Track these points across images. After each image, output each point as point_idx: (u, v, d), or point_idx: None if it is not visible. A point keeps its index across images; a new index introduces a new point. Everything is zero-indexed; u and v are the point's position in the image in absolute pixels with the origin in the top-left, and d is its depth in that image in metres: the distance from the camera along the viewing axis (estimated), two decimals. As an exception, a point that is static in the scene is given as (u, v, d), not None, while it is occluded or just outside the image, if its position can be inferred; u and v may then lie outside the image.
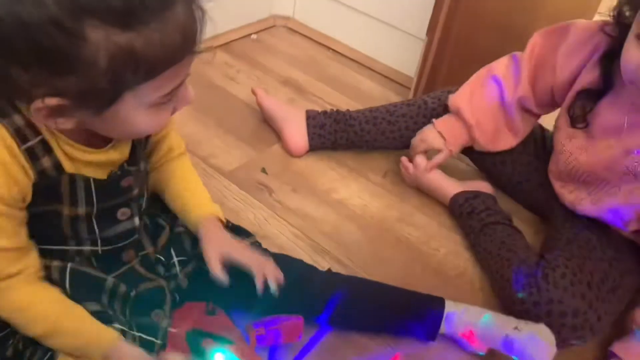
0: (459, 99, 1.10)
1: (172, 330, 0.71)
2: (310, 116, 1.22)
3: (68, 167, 0.61)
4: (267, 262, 0.76)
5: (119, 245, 0.71)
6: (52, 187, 0.61)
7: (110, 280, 0.69)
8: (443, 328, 0.89)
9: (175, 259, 0.77)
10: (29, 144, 0.57)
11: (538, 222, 1.18)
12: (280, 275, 0.75)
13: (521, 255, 0.96)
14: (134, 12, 0.47)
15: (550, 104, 1.05)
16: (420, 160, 1.14)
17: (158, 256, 0.77)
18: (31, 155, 0.58)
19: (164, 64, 0.51)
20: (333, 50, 1.64)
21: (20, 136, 0.56)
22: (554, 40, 0.99)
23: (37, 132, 0.58)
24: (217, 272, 0.71)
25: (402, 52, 1.50)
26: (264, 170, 1.19)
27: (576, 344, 0.88)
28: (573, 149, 0.96)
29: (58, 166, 0.60)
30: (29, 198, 0.60)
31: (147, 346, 0.68)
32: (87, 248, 0.68)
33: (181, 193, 0.79)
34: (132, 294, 0.70)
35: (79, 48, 0.47)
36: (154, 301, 0.72)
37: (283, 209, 1.11)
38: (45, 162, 0.59)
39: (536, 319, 0.86)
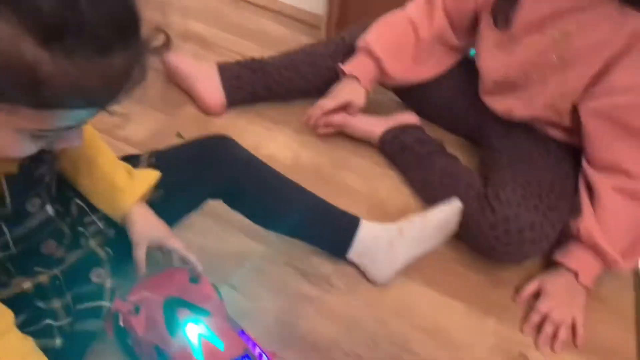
0: (367, 37, 1.05)
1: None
2: (223, 68, 1.10)
3: None
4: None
5: (35, 239, 0.62)
6: None
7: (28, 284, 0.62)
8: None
9: (94, 217, 0.71)
10: None
11: (470, 146, 1.16)
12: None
13: (466, 180, 0.94)
14: (64, 33, 0.38)
15: (474, 30, 1.01)
16: (338, 116, 1.08)
17: (78, 228, 0.69)
18: None
19: (63, 104, 0.42)
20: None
21: None
22: None
23: None
24: (141, 262, 0.70)
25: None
26: (179, 135, 1.07)
27: (536, 255, 0.88)
28: (501, 56, 0.94)
29: None
30: None
31: (96, 313, 0.66)
32: None
33: (96, 175, 0.71)
34: (59, 271, 0.64)
35: None
36: (89, 263, 0.68)
37: (210, 173, 1.01)
38: None
39: (494, 240, 0.85)
